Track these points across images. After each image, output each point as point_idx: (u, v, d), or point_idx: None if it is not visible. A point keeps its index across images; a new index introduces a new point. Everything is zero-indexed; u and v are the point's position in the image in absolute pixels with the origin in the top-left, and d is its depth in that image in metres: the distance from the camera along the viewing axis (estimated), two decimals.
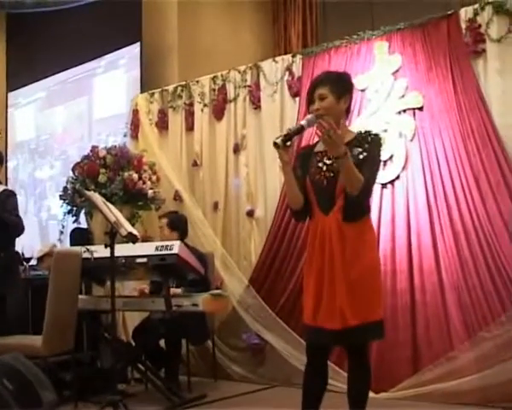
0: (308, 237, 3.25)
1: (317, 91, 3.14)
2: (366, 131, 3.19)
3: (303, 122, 3.11)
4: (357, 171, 2.99)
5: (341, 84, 3.20)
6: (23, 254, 5.93)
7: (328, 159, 3.13)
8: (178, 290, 5.11)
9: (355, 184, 3.01)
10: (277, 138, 3.05)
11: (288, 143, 3.06)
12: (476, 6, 4.71)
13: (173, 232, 5.38)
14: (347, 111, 3.27)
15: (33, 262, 6.28)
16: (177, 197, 6.18)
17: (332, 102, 3.13)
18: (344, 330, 3.02)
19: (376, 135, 3.18)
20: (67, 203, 6.08)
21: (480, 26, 4.67)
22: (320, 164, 3.16)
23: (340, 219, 3.07)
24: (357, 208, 3.10)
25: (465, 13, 4.76)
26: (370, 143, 3.13)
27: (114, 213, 4.43)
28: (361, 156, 3.07)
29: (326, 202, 3.11)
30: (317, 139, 3.33)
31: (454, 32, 4.78)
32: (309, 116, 3.12)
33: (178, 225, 5.47)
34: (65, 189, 6.10)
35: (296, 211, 3.25)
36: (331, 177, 3.11)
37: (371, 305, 3.09)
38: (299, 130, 3.12)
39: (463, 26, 4.74)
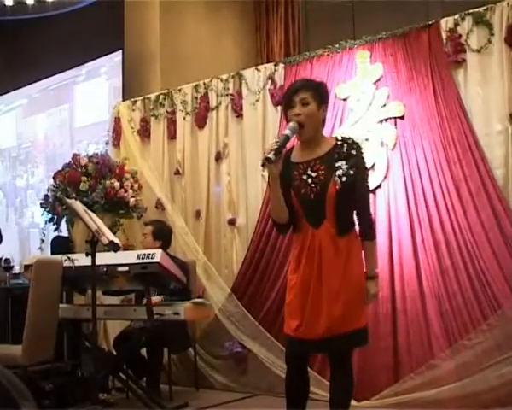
0: (296, 249, 3.20)
1: (299, 95, 3.11)
2: (346, 141, 3.18)
3: (287, 132, 3.06)
4: (372, 253, 3.28)
5: (321, 93, 3.20)
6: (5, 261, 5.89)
7: (313, 171, 3.12)
8: (159, 298, 5.09)
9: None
10: (269, 154, 2.96)
11: (278, 157, 2.99)
12: (457, 16, 4.75)
13: (156, 241, 5.35)
14: (325, 122, 3.27)
15: (14, 271, 6.24)
16: (159, 205, 6.16)
17: (314, 109, 3.11)
18: (329, 337, 3.03)
19: (358, 148, 3.17)
20: (48, 211, 6.05)
21: (460, 36, 4.71)
22: (304, 176, 3.12)
23: (334, 232, 3.08)
24: (350, 222, 3.16)
25: (446, 23, 4.80)
26: (355, 158, 3.12)
27: (96, 221, 4.41)
28: (351, 172, 3.07)
29: (315, 216, 3.09)
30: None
31: (435, 41, 4.82)
32: (291, 124, 3.08)
33: (162, 235, 5.43)
34: (46, 197, 6.07)
35: (281, 225, 3.21)
36: (318, 190, 3.09)
37: (357, 313, 3.12)
38: (286, 140, 3.05)
39: (444, 36, 4.78)
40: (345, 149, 3.13)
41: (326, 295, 3.05)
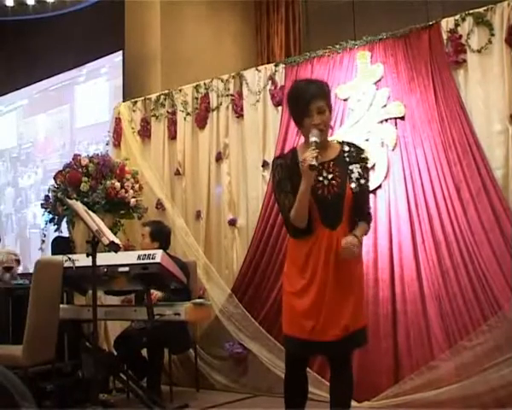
0: (303, 252, 3.17)
1: (316, 104, 3.12)
2: (352, 145, 3.27)
3: (315, 139, 3.07)
4: (362, 230, 3.19)
5: (330, 99, 3.25)
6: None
7: (329, 173, 3.15)
8: (160, 294, 5.06)
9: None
10: (312, 161, 2.98)
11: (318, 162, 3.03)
12: (457, 17, 4.75)
13: (154, 242, 5.34)
14: None
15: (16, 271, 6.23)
16: (160, 206, 6.16)
17: (329, 117, 3.21)
18: (343, 338, 3.05)
19: (365, 151, 3.27)
20: (49, 212, 6.04)
21: (460, 36, 4.71)
22: (320, 178, 3.13)
23: (348, 233, 3.11)
24: (355, 224, 3.19)
25: (446, 23, 4.80)
26: (366, 161, 3.23)
27: (96, 221, 4.41)
28: (366, 175, 3.19)
29: (332, 217, 3.11)
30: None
31: (435, 42, 4.82)
32: (314, 132, 3.08)
33: (160, 236, 5.42)
34: (47, 197, 6.07)
35: (301, 230, 3.15)
36: (335, 191, 3.12)
37: (362, 312, 3.18)
38: (318, 147, 3.07)
39: (444, 36, 4.78)
40: (354, 153, 3.21)
41: (341, 295, 3.07)
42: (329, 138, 3.37)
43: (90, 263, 4.27)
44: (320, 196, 3.12)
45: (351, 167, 3.15)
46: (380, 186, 4.94)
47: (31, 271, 4.57)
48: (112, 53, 8.41)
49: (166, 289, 5.10)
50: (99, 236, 4.22)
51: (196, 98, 6.10)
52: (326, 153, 3.20)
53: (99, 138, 7.74)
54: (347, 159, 3.18)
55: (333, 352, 3.20)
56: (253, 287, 5.49)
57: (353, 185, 3.12)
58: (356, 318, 3.10)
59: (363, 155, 3.23)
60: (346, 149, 3.22)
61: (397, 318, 4.74)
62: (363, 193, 3.20)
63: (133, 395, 5.07)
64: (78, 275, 4.66)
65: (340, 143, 3.29)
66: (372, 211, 3.39)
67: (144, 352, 5.35)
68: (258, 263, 5.47)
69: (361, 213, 3.21)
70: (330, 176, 3.14)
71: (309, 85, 3.27)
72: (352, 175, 3.14)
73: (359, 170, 3.15)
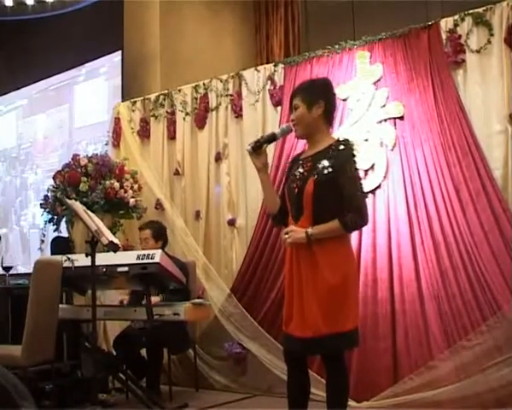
0: None
1: (293, 102, 3.26)
2: (338, 141, 3.23)
3: (276, 131, 3.31)
4: (327, 226, 3.09)
5: (312, 92, 3.26)
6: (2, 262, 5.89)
7: (302, 168, 3.22)
8: (157, 299, 5.08)
9: (337, 233, 3.12)
10: (249, 145, 3.23)
11: (262, 149, 3.23)
12: (456, 17, 4.75)
13: (158, 242, 5.37)
14: (328, 117, 3.28)
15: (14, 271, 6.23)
16: (159, 206, 6.16)
17: (303, 112, 3.21)
18: (313, 339, 3.06)
19: (346, 146, 3.18)
20: (48, 212, 6.04)
21: (460, 36, 4.71)
22: (296, 172, 3.23)
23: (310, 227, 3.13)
24: (327, 222, 3.13)
25: (445, 23, 4.80)
26: (337, 157, 3.12)
27: (95, 221, 4.41)
28: (325, 171, 3.11)
29: (295, 211, 3.21)
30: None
31: (434, 42, 4.82)
32: (283, 126, 3.28)
33: (161, 233, 5.46)
34: (46, 197, 6.07)
35: (273, 215, 3.41)
36: (300, 186, 3.18)
37: (342, 316, 3.11)
38: (271, 138, 3.30)
39: (444, 36, 4.78)
40: (332, 148, 3.18)
41: (310, 292, 3.10)
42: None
43: (89, 263, 4.27)
44: (291, 189, 3.23)
45: (318, 163, 3.14)
46: (379, 186, 4.94)
47: (30, 271, 4.56)
48: (111, 53, 8.41)
49: (165, 292, 5.10)
50: (98, 236, 4.22)
51: (195, 98, 6.10)
52: (313, 148, 3.27)
53: (98, 138, 7.74)
54: (323, 155, 3.16)
55: (315, 351, 3.31)
56: (253, 287, 5.49)
57: (315, 178, 3.11)
58: (333, 320, 3.07)
59: (336, 151, 3.14)
60: (332, 144, 3.20)
61: (396, 318, 4.73)
62: (323, 189, 3.09)
63: (132, 395, 5.06)
64: (77, 275, 4.66)
65: (336, 140, 3.27)
66: (363, 212, 3.21)
67: (143, 352, 5.35)
68: (258, 263, 5.48)
69: (347, 209, 3.13)
70: (302, 170, 3.21)
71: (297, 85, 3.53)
72: (317, 169, 3.13)
73: (321, 166, 3.11)
